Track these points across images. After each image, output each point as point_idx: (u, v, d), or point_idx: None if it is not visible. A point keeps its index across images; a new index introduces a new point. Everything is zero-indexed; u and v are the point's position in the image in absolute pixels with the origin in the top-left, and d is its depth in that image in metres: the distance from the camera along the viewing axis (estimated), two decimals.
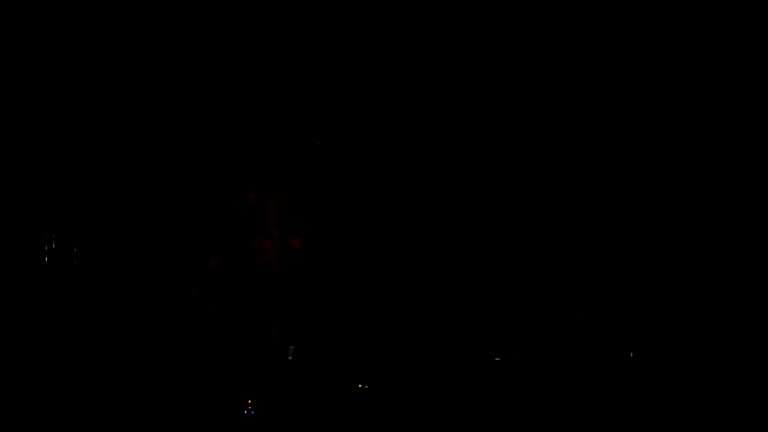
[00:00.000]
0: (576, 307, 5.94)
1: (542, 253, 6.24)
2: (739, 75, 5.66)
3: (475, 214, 6.26)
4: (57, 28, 5.28)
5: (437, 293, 6.14)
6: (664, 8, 5.51)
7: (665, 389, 5.51)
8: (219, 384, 5.18)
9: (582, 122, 6.09)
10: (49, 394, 5.02)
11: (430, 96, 5.86)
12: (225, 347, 5.33)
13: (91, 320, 5.06)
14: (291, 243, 4.38)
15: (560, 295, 5.97)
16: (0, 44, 5.18)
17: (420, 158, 5.95)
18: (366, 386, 5.40)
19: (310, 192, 4.53)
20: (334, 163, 4.92)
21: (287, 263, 4.49)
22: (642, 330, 5.82)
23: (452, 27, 5.45)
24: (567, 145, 6.15)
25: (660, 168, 5.88)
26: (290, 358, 5.48)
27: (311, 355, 5.53)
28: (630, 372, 5.58)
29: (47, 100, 5.34)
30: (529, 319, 5.98)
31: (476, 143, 6.10)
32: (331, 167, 4.86)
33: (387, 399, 5.41)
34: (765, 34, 5.35)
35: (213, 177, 4.45)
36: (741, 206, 5.78)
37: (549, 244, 6.25)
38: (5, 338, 5.07)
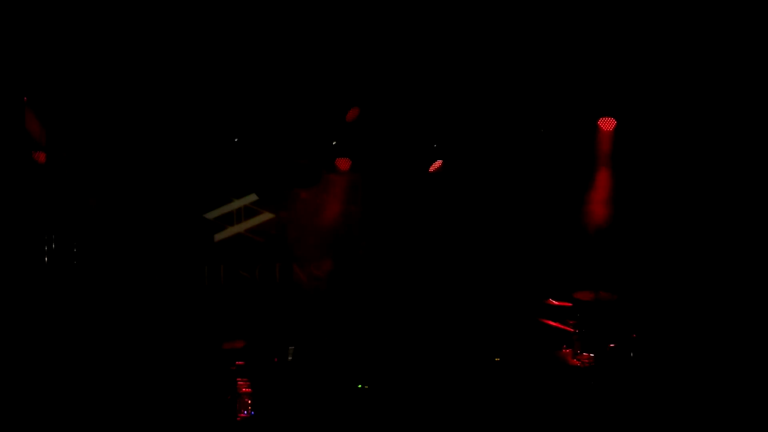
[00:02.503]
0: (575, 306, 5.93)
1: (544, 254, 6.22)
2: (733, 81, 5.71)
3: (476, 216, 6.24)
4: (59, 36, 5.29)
5: (441, 294, 6.14)
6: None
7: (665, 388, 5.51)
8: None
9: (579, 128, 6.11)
10: (50, 388, 4.99)
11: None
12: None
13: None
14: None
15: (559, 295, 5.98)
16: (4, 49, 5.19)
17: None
18: (366, 386, 5.41)
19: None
20: None
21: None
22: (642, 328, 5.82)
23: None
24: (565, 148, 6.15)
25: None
26: (290, 358, 5.46)
27: (311, 355, 5.53)
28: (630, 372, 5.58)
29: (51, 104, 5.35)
30: (528, 319, 5.98)
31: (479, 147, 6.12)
32: None
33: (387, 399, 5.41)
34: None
35: None
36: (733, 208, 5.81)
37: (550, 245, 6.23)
38: (6, 336, 5.06)
